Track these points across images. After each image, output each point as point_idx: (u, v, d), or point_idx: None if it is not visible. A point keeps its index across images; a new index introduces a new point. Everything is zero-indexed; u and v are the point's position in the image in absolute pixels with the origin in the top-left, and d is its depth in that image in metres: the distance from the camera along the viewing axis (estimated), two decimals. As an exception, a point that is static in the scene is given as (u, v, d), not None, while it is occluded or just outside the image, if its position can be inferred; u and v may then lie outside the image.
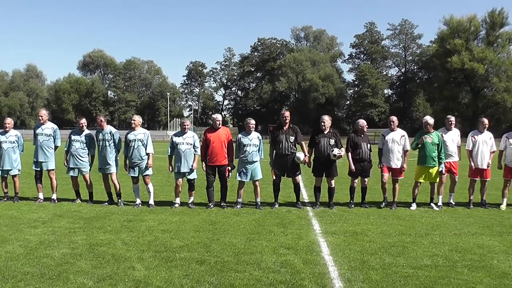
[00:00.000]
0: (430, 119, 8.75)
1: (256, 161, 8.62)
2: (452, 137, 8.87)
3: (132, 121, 8.77)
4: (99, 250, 5.58)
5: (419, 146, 8.57)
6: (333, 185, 8.76)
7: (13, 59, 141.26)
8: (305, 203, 9.12)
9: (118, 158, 8.97)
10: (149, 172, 8.77)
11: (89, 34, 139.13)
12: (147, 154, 8.69)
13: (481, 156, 8.86)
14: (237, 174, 8.65)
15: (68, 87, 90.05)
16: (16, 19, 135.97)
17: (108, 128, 8.87)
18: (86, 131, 9.02)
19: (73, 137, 8.92)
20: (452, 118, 8.98)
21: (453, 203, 8.99)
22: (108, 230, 6.68)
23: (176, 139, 8.61)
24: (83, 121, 9.04)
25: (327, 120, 8.71)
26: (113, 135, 8.79)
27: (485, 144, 8.88)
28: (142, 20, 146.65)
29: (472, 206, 8.82)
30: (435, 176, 8.65)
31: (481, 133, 8.97)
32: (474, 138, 8.95)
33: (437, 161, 8.58)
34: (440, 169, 8.62)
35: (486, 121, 9.05)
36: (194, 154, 8.67)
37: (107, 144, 8.73)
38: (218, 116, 8.82)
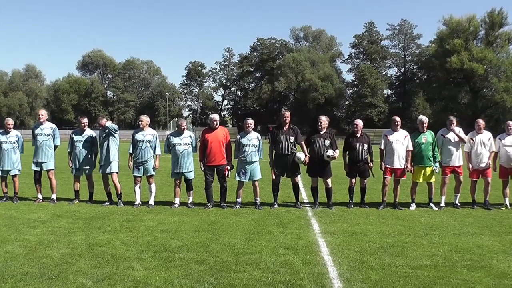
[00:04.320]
0: (424, 118, 8.81)
1: (255, 161, 8.63)
2: (454, 136, 8.85)
3: (140, 122, 8.81)
4: (98, 250, 5.58)
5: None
6: (330, 185, 8.74)
7: (12, 59, 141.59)
8: (304, 203, 9.12)
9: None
10: (153, 172, 8.80)
11: (88, 34, 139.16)
12: (155, 155, 8.72)
13: (480, 156, 8.86)
14: (236, 174, 8.66)
15: (68, 87, 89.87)
16: (16, 19, 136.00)
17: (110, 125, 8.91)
18: (88, 131, 9.04)
19: (75, 138, 8.93)
20: (453, 118, 8.93)
21: (459, 204, 8.88)
22: (107, 230, 6.69)
23: (173, 140, 8.61)
24: (85, 120, 9.08)
25: (324, 120, 8.72)
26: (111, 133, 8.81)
27: (483, 145, 8.88)
28: (142, 20, 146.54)
29: (476, 207, 8.80)
30: (430, 175, 8.67)
31: (479, 134, 8.97)
32: (472, 139, 8.95)
33: (432, 160, 8.62)
34: (434, 168, 8.63)
35: (480, 121, 9.05)
36: (191, 154, 8.70)
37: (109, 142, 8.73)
38: (215, 116, 8.82)
